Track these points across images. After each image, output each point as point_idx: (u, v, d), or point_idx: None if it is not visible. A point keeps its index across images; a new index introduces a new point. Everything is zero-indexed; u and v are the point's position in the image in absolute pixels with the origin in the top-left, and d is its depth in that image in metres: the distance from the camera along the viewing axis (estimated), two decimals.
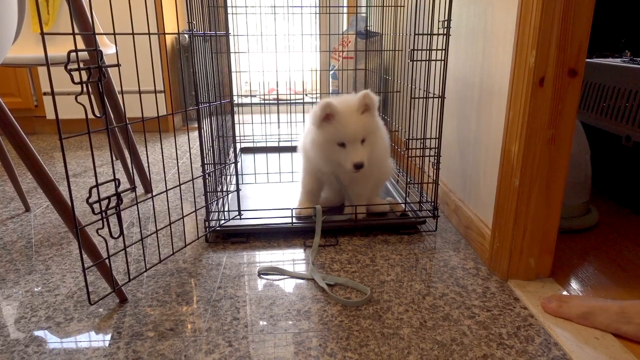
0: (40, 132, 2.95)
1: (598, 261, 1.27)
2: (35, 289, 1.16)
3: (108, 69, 1.55)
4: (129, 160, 1.87)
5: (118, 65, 0.90)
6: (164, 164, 1.70)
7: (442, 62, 1.33)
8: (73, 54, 0.88)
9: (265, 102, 3.23)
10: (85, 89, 0.86)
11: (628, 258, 1.29)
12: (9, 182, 1.99)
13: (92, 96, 1.84)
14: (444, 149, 1.42)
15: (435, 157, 1.42)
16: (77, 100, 0.84)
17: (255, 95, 3.53)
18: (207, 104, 1.37)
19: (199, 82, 1.28)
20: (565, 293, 1.11)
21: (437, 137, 1.39)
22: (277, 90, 1.85)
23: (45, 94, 2.77)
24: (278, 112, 2.06)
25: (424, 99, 1.43)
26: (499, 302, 1.09)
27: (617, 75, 1.65)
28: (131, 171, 1.85)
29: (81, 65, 0.83)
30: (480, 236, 1.30)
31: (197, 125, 1.57)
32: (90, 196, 0.87)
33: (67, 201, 0.98)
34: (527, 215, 1.13)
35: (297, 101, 3.28)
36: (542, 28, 1.00)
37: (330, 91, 2.54)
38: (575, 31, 1.01)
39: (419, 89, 1.51)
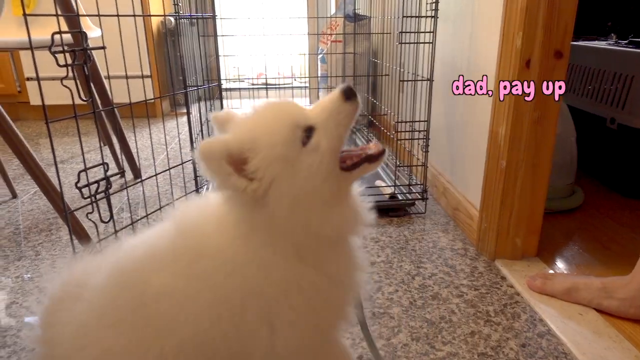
0: (25, 118, 2.90)
1: (582, 241, 1.30)
2: (26, 275, 1.15)
3: (93, 52, 1.53)
4: (117, 146, 1.85)
5: (103, 47, 0.89)
6: (152, 149, 1.69)
7: (430, 44, 1.34)
8: (57, 37, 0.87)
9: (254, 86, 3.21)
10: (70, 72, 0.85)
11: (611, 237, 1.32)
12: None
13: (77, 81, 1.81)
14: (432, 132, 1.43)
15: (424, 140, 1.43)
16: (62, 84, 0.83)
17: (243, 80, 3.51)
18: (195, 88, 1.36)
19: (186, 66, 1.27)
20: (551, 272, 1.14)
21: (426, 120, 1.40)
22: (266, 75, 1.84)
23: (28, 79, 2.72)
24: (267, 97, 2.05)
25: (413, 82, 1.43)
26: (487, 281, 1.11)
27: (602, 57, 1.66)
28: (119, 156, 1.83)
29: (66, 48, 0.82)
30: (468, 217, 1.32)
31: (185, 111, 1.55)
32: (79, 180, 0.87)
33: (55, 186, 0.98)
34: (514, 196, 1.14)
35: (285, 86, 3.27)
36: (528, 9, 1.00)
37: (319, 75, 2.53)
38: (562, 13, 1.01)
39: (408, 72, 1.52)
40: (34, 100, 2.76)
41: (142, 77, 1.14)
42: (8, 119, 0.94)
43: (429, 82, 1.37)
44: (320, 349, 0.67)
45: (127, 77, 0.91)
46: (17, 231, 1.40)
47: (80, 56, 0.83)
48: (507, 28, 1.06)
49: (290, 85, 3.40)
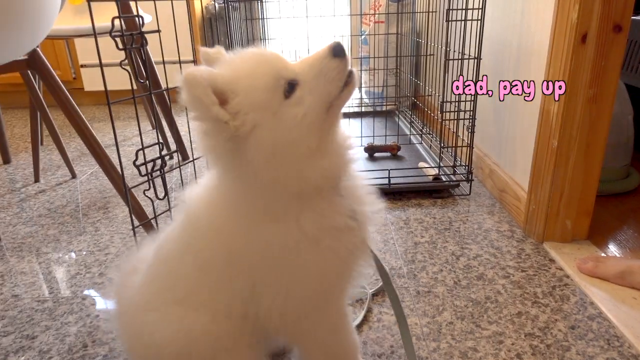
0: (79, 103, 3.02)
1: (637, 224, 1.25)
2: (87, 249, 1.23)
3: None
4: (166, 129, 1.92)
5: (158, 31, 0.93)
6: None
7: (479, 21, 1.30)
8: (117, 21, 0.91)
9: None
10: (128, 55, 0.89)
11: None
12: (55, 151, 2.08)
13: (134, 64, 1.88)
14: (479, 112, 1.40)
15: (470, 121, 1.41)
16: (122, 67, 0.87)
17: None
18: None
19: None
20: (602, 255, 1.11)
21: (473, 99, 1.37)
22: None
23: (82, 66, 2.85)
24: None
25: (459, 61, 1.40)
26: (534, 263, 1.09)
27: None
28: (171, 137, 1.90)
29: (119, 34, 0.86)
30: (515, 199, 1.29)
31: None
32: (137, 159, 0.92)
33: (115, 165, 1.03)
34: (565, 177, 1.11)
35: None
36: None
37: (361, 57, 2.51)
38: None
39: (454, 50, 1.48)
40: (88, 86, 2.89)
41: (194, 61, 1.17)
42: (73, 102, 1.00)
43: (476, 60, 1.34)
44: (315, 318, 0.66)
45: (180, 62, 0.94)
46: (77, 208, 1.49)
47: (137, 40, 0.87)
48: (562, 0, 1.02)
49: None
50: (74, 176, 1.77)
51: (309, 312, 0.65)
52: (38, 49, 0.97)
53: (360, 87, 2.67)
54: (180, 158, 1.92)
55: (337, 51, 0.56)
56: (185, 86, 0.51)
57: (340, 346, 0.71)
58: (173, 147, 1.98)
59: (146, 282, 0.68)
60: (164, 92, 1.10)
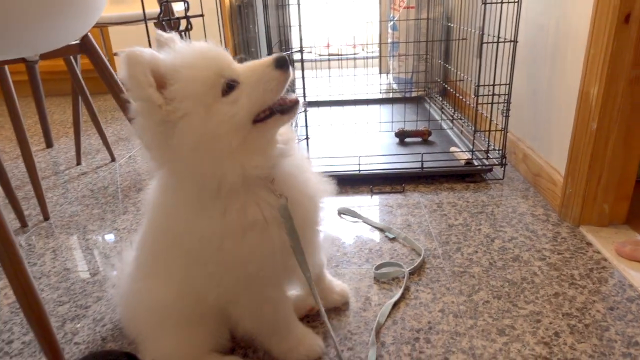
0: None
1: None
2: (130, 227, 1.29)
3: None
4: None
5: (202, 15, 0.96)
6: None
7: (516, 3, 1.29)
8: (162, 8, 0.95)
9: (330, 57, 3.23)
10: None
11: None
12: (93, 136, 2.16)
13: None
14: (513, 97, 1.39)
15: (505, 105, 1.40)
16: None
17: (310, 52, 3.53)
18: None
19: (260, 38, 1.31)
20: None
21: (508, 83, 1.36)
22: (340, 45, 1.85)
23: (116, 54, 2.92)
24: (340, 67, 2.07)
25: (494, 44, 1.39)
26: (571, 246, 1.09)
27: None
28: None
29: (167, 18, 0.89)
30: (551, 183, 1.28)
31: None
32: None
33: None
34: (604, 160, 1.10)
35: (355, 56, 3.26)
36: None
37: (392, 42, 2.50)
38: None
39: (488, 34, 1.47)
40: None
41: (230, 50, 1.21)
42: (122, 86, 1.04)
43: (512, 43, 1.33)
44: (246, 304, 0.70)
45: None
46: (118, 190, 1.55)
47: (183, 24, 0.90)
48: None
49: (362, 56, 3.38)
50: (113, 159, 1.83)
51: (239, 298, 0.69)
52: (89, 34, 1.01)
53: (389, 73, 2.67)
54: None
55: (280, 63, 0.59)
56: (125, 63, 0.53)
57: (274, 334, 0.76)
58: None
59: (134, 257, 0.78)
60: None
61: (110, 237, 1.24)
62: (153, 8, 1.30)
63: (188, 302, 0.69)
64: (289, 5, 2.25)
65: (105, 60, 1.03)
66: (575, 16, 1.16)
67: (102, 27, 2.73)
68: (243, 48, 3.14)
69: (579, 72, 1.12)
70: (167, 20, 0.87)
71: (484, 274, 1.00)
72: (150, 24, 0.95)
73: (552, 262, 1.03)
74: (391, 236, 1.16)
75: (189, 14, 0.89)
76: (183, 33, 0.96)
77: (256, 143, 0.61)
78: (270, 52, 1.32)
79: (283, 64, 0.59)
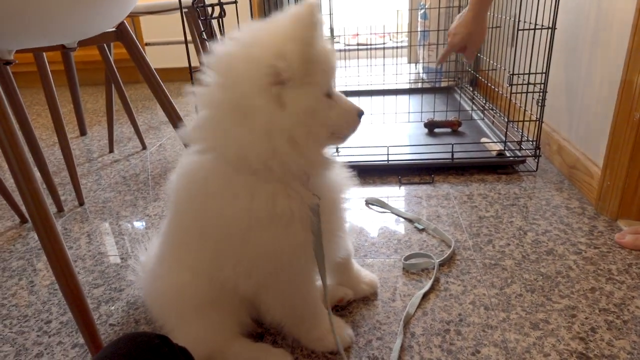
0: (144, 80, 3.18)
1: None
2: (162, 214, 1.31)
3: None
4: None
5: (235, 2, 0.96)
6: None
7: None
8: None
9: (359, 47, 3.20)
10: (208, 27, 0.93)
11: None
12: (125, 124, 2.20)
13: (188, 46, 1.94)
14: (548, 86, 1.35)
15: (540, 94, 1.35)
16: (200, 37, 0.91)
17: (338, 42, 3.51)
18: None
19: None
20: None
21: (545, 71, 1.32)
22: (369, 34, 1.83)
23: (147, 44, 2.97)
24: (369, 57, 2.04)
25: (530, 31, 1.35)
26: (608, 240, 1.06)
27: None
28: None
29: (202, 5, 0.89)
30: (587, 175, 1.24)
31: None
32: None
33: None
34: None
35: (385, 46, 3.21)
36: None
37: (422, 30, 2.45)
38: None
39: (523, 21, 1.42)
40: (153, 63, 3.00)
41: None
42: (157, 75, 1.06)
43: (550, 30, 1.28)
44: (274, 292, 0.71)
45: None
46: (149, 177, 1.58)
47: (216, 10, 0.90)
48: None
49: (392, 46, 3.33)
50: (144, 147, 1.87)
51: (267, 290, 0.71)
52: (125, 22, 1.02)
53: (418, 63, 2.62)
54: None
55: (361, 115, 0.68)
56: (312, 10, 0.56)
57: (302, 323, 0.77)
58: None
59: (159, 243, 0.80)
60: None
61: (141, 223, 1.27)
62: None
63: (214, 286, 0.70)
64: None
65: (141, 49, 1.04)
66: (620, 1, 1.11)
67: (133, 16, 2.78)
68: None
69: (621, 60, 1.08)
70: (200, 7, 0.87)
71: (516, 267, 0.98)
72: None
73: (588, 257, 1.00)
74: (420, 227, 1.15)
75: (222, 0, 0.89)
76: (216, 20, 0.97)
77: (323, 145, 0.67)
78: None
79: (361, 117, 0.68)
